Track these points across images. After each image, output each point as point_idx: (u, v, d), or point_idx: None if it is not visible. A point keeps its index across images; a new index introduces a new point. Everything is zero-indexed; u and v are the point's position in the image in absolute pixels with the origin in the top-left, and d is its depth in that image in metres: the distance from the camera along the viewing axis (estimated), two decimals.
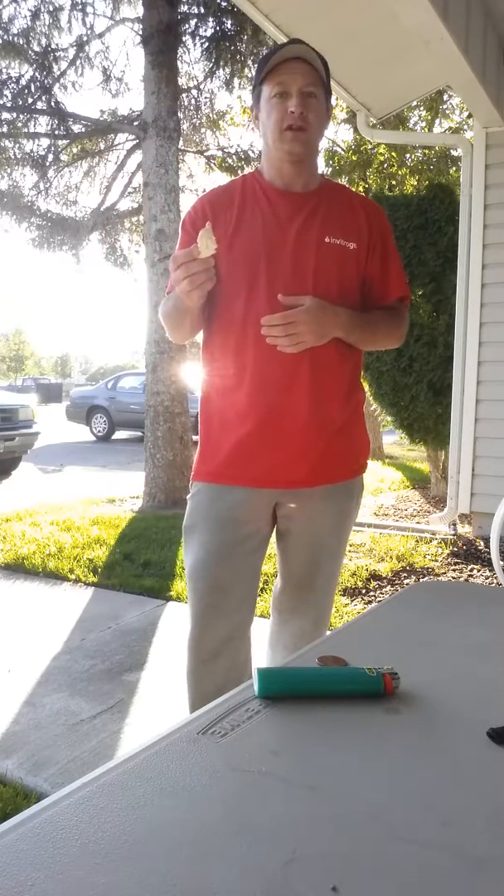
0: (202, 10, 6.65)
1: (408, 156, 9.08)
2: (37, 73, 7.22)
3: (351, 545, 4.16)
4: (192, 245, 1.34)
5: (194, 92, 8.46)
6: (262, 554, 1.53)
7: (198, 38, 6.90)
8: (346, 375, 1.48)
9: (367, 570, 3.73)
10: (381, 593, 3.43)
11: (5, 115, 7.34)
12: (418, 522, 5.10)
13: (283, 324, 1.34)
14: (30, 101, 7.28)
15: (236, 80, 7.12)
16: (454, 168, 8.73)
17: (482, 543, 4.24)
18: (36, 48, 7.14)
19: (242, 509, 1.46)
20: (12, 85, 7.24)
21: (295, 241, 1.40)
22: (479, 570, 3.75)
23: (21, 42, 7.01)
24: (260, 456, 1.43)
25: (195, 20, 6.78)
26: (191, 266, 1.27)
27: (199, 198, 1.52)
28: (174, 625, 3.05)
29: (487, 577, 3.62)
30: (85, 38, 7.27)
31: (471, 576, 3.69)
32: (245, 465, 1.44)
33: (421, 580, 3.57)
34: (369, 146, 8.53)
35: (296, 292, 1.37)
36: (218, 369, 1.47)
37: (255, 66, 1.49)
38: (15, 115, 7.36)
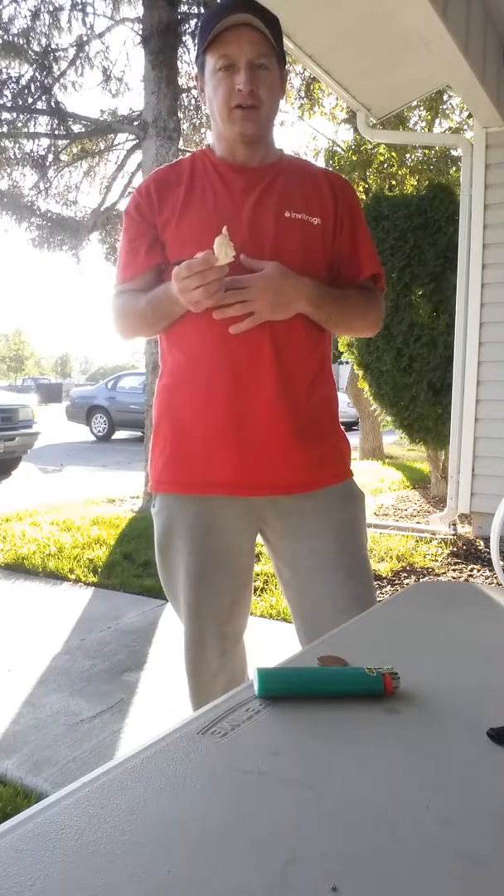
0: (202, 10, 6.64)
1: (408, 156, 9.09)
2: (37, 73, 7.21)
3: None
4: (144, 231, 1.24)
5: (194, 92, 8.45)
6: (251, 562, 1.40)
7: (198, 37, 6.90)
8: (314, 364, 1.33)
9: None
10: (382, 593, 3.43)
11: (5, 115, 7.33)
12: (418, 522, 5.10)
13: (233, 288, 1.18)
14: (30, 101, 7.27)
15: None
16: (454, 168, 8.74)
17: (482, 543, 4.24)
18: (36, 48, 7.13)
19: (220, 523, 1.32)
20: (12, 85, 7.23)
21: (251, 215, 1.26)
22: (479, 570, 3.75)
23: (21, 42, 7.00)
24: (229, 452, 1.27)
25: (195, 20, 6.77)
26: (207, 274, 1.12)
27: (143, 179, 1.38)
28: (174, 625, 3.04)
29: (487, 577, 3.62)
30: (85, 38, 7.26)
31: (471, 576, 3.69)
32: (214, 467, 1.28)
33: (421, 580, 3.57)
34: (369, 146, 8.53)
35: (253, 270, 1.23)
36: (175, 359, 1.33)
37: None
38: (15, 115, 7.35)
